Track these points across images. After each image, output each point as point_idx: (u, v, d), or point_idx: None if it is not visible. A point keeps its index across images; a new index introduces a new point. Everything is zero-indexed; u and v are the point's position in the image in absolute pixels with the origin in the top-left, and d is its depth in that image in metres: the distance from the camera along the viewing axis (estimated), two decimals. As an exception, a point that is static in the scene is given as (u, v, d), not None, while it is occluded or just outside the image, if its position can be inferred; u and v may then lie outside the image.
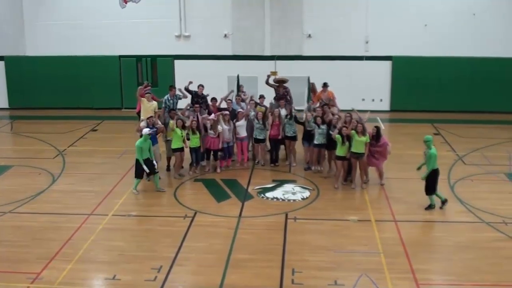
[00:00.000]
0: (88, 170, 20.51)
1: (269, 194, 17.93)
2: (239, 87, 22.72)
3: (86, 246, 14.51)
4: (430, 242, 14.75)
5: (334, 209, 16.89)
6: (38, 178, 19.74)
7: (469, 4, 28.31)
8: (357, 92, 28.25)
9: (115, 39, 29.72)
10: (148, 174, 18.20)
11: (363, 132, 17.85)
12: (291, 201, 17.47)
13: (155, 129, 18.85)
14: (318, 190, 18.30)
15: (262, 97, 21.66)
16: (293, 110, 20.40)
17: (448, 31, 28.31)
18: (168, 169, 20.16)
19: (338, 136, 18.03)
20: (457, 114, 28.41)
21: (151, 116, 19.06)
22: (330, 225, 15.78)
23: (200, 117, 19.83)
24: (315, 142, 19.52)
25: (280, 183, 18.93)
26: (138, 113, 20.34)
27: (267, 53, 29.43)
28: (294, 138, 20.32)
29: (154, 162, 18.07)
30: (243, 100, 21.26)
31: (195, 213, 16.46)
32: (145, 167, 17.70)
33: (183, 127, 19.05)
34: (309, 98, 23.14)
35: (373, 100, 29.23)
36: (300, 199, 17.63)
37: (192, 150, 19.51)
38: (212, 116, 19.52)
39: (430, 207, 16.50)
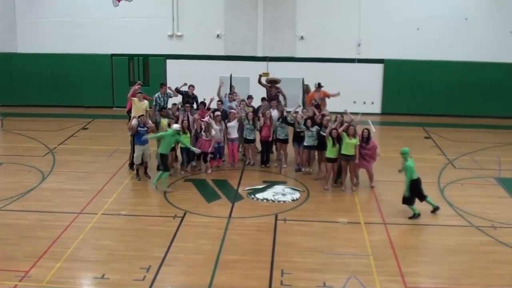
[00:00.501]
0: (78, 168, 20.45)
1: (259, 195, 17.92)
2: (231, 87, 22.70)
3: (75, 245, 14.47)
4: (419, 245, 14.78)
5: (324, 211, 16.89)
6: (28, 176, 19.66)
7: (461, 8, 28.45)
8: (349, 95, 28.11)
9: (107, 38, 29.72)
10: (159, 169, 18.33)
11: (354, 135, 17.87)
12: (281, 202, 17.47)
13: (146, 129, 18.85)
14: (308, 192, 18.31)
15: (250, 97, 21.67)
16: (284, 112, 20.39)
17: (440, 35, 28.42)
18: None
19: (329, 138, 18.06)
20: (448, 118, 28.52)
21: (142, 115, 19.01)
22: (319, 226, 15.79)
23: (190, 117, 19.83)
24: (305, 144, 19.54)
25: (270, 184, 18.94)
26: (128, 112, 20.29)
27: (260, 54, 29.44)
28: (285, 141, 20.34)
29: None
30: (234, 100, 21.27)
31: (185, 213, 16.44)
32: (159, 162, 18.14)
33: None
34: (303, 100, 23.12)
35: (364, 102, 29.30)
36: (290, 200, 17.64)
37: (183, 149, 19.50)
38: (206, 119, 19.48)
39: (414, 216, 16.45)
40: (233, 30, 29.37)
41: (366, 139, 18.19)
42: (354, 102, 28.66)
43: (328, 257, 13.94)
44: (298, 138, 19.86)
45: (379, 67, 29.35)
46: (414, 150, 22.62)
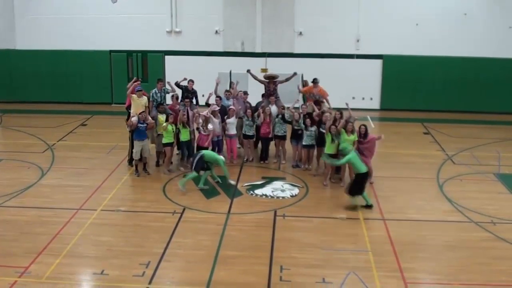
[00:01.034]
0: (77, 164, 20.44)
1: (258, 191, 17.92)
2: (231, 83, 22.69)
3: (74, 241, 14.47)
4: (418, 241, 14.74)
5: (322, 207, 16.89)
6: (27, 172, 19.66)
7: (460, 4, 28.40)
8: (348, 91, 28.12)
9: (106, 34, 29.69)
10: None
11: (352, 131, 17.87)
12: (280, 198, 17.47)
13: (145, 125, 18.86)
14: (307, 188, 18.31)
15: (245, 93, 21.66)
16: (285, 111, 20.35)
17: (439, 30, 28.39)
18: (157, 164, 20.13)
19: (328, 134, 18.07)
20: (447, 113, 28.52)
21: (143, 112, 19.02)
22: (318, 222, 15.80)
23: (190, 112, 19.84)
24: (304, 143, 19.52)
25: (269, 180, 18.94)
26: (127, 108, 20.27)
27: (258, 50, 29.42)
28: (283, 137, 20.36)
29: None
30: (229, 98, 21.23)
31: (184, 209, 16.44)
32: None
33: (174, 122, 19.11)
34: (304, 97, 23.07)
35: (363, 98, 29.31)
36: (289, 196, 17.63)
37: (183, 144, 19.52)
38: (205, 112, 19.47)
39: (367, 206, 16.55)
40: (232, 26, 29.33)
41: (363, 135, 18.16)
42: (353, 98, 28.56)
43: (327, 253, 13.95)
44: (296, 135, 19.85)
45: (378, 63, 29.33)
46: (413, 146, 22.86)
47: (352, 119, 18.38)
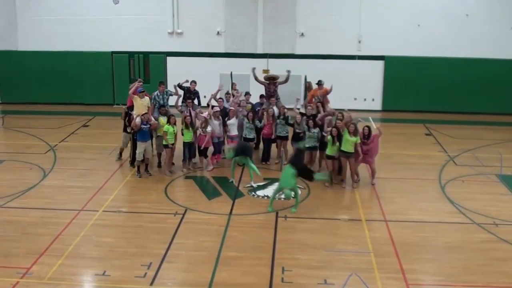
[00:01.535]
0: (79, 165, 20.44)
1: (260, 192, 17.92)
2: (232, 84, 22.68)
3: (76, 241, 14.46)
4: (420, 242, 14.72)
5: (324, 208, 16.87)
6: (29, 173, 19.66)
7: (462, 5, 28.40)
8: (349, 92, 28.29)
9: (107, 35, 29.71)
10: None
11: (354, 132, 17.85)
12: (282, 199, 17.44)
13: (148, 126, 18.87)
14: (309, 189, 18.29)
15: (247, 94, 21.66)
16: (286, 113, 20.33)
17: (441, 31, 28.39)
18: (159, 165, 20.13)
19: (329, 137, 18.06)
20: (449, 114, 28.49)
21: (146, 113, 19.03)
22: (320, 224, 15.78)
23: (192, 112, 19.86)
24: (306, 145, 19.47)
25: (271, 181, 18.91)
26: (128, 109, 20.19)
27: (260, 51, 29.44)
28: (285, 138, 20.34)
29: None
30: (228, 100, 21.23)
31: (186, 210, 16.44)
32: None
33: (175, 123, 19.10)
34: (305, 97, 23.06)
35: (365, 99, 29.32)
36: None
37: (185, 145, 19.52)
38: (205, 114, 19.48)
39: (331, 181, 16.89)
40: (233, 27, 29.34)
41: (367, 136, 18.17)
42: (355, 99, 28.74)
43: (329, 254, 13.94)
44: (297, 138, 19.80)
45: (380, 63, 29.31)
46: (415, 147, 22.88)
47: (355, 120, 18.37)
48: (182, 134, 19.33)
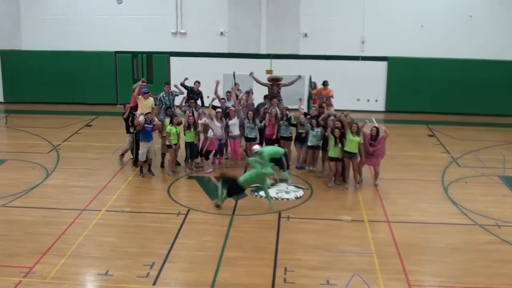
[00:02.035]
0: (82, 165, 20.47)
1: (263, 193, 17.88)
2: (235, 84, 22.67)
3: (79, 241, 14.48)
4: (422, 243, 14.72)
5: (327, 209, 16.88)
6: (32, 172, 19.70)
7: (466, 6, 28.36)
8: (352, 92, 28.29)
9: (111, 35, 29.73)
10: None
11: (357, 133, 17.84)
12: (285, 200, 17.47)
13: (152, 126, 18.89)
14: (311, 190, 18.30)
15: (249, 93, 21.69)
16: (289, 114, 20.33)
17: (444, 32, 28.35)
18: (162, 165, 20.15)
19: (331, 137, 18.06)
20: (452, 116, 28.44)
21: (149, 112, 19.05)
22: (323, 224, 15.79)
23: (195, 113, 19.87)
24: (309, 144, 19.50)
25: (273, 181, 18.89)
26: (132, 108, 20.16)
27: (263, 51, 29.44)
28: (289, 139, 20.31)
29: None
30: (229, 99, 21.23)
31: (188, 210, 16.45)
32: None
33: (179, 124, 19.12)
34: (309, 98, 23.04)
35: (368, 100, 29.29)
36: (293, 198, 17.63)
37: (187, 145, 19.51)
38: (203, 120, 19.42)
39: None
40: (237, 28, 29.35)
41: (374, 137, 18.13)
42: (358, 99, 28.70)
43: (332, 255, 13.94)
44: (300, 138, 19.84)
45: (383, 64, 29.27)
46: (418, 148, 22.88)
47: (357, 120, 18.36)
48: (184, 134, 19.33)
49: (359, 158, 18.25)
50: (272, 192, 17.86)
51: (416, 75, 28.95)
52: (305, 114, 20.12)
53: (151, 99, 19.81)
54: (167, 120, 19.40)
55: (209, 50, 29.64)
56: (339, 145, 17.99)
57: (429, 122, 27.21)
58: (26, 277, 12.76)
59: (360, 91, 28.88)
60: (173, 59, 30.09)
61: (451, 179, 19.40)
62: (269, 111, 20.25)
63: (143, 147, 18.92)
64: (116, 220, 15.95)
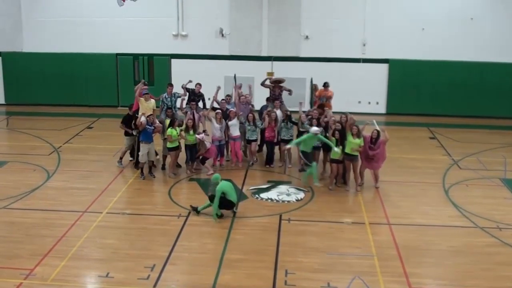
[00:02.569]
0: (83, 167, 20.47)
1: (264, 195, 17.91)
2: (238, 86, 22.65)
3: (79, 243, 14.48)
4: (423, 246, 14.70)
5: (328, 211, 16.86)
6: (33, 174, 19.71)
7: (467, 8, 28.35)
8: (353, 95, 28.30)
9: (112, 37, 29.75)
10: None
11: (357, 135, 17.83)
12: (286, 202, 17.46)
13: (153, 128, 18.89)
14: (312, 192, 18.29)
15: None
16: (288, 112, 20.35)
17: (445, 35, 28.36)
18: (163, 167, 20.14)
19: (332, 139, 18.05)
20: (453, 118, 28.46)
21: (150, 114, 19.07)
22: (324, 227, 15.77)
23: (196, 115, 19.89)
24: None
25: (275, 184, 18.92)
26: (135, 112, 20.17)
27: (264, 53, 29.45)
28: (290, 142, 20.29)
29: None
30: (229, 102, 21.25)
31: (189, 213, 16.44)
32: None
33: (179, 126, 19.12)
34: (311, 99, 23.06)
35: (369, 103, 29.28)
36: (294, 200, 17.62)
37: (187, 147, 19.52)
38: (200, 136, 19.36)
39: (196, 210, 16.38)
40: (238, 30, 29.36)
41: (375, 140, 18.12)
42: (359, 102, 28.69)
43: (332, 258, 13.93)
44: (302, 138, 19.86)
45: (384, 67, 29.28)
46: (419, 151, 22.87)
47: (357, 123, 18.34)
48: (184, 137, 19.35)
49: (360, 161, 18.25)
50: (273, 194, 17.90)
51: (417, 78, 28.96)
52: (307, 115, 20.10)
53: (152, 101, 19.82)
54: (168, 121, 19.40)
55: (210, 52, 29.65)
56: (340, 147, 17.98)
57: (430, 125, 27.21)
58: (27, 279, 12.75)
59: (361, 94, 28.89)
60: (174, 61, 30.11)
61: (452, 181, 19.39)
62: (270, 114, 20.24)
63: (143, 149, 18.92)
64: (117, 222, 15.94)
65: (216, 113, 19.97)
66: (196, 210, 16.40)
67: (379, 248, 14.39)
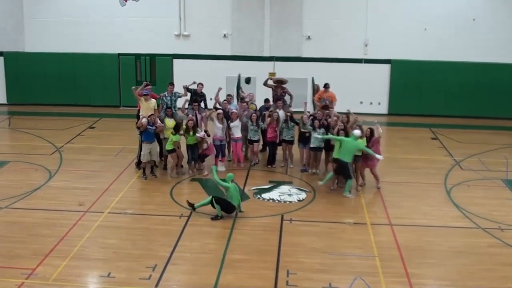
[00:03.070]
0: (85, 167, 20.48)
1: (266, 195, 17.90)
2: (239, 87, 22.67)
3: (81, 243, 14.49)
4: (425, 246, 14.70)
5: (330, 212, 16.86)
6: (35, 174, 19.72)
7: (469, 9, 28.36)
8: (355, 95, 28.24)
9: (114, 37, 29.76)
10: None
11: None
12: (287, 202, 17.45)
13: (154, 128, 18.90)
14: (314, 192, 18.29)
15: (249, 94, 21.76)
16: (290, 113, 20.34)
17: (447, 35, 28.37)
18: (165, 167, 20.14)
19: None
20: (455, 119, 28.46)
21: (152, 114, 19.08)
22: (325, 227, 15.77)
23: (198, 115, 19.89)
24: (311, 145, 19.49)
25: (276, 184, 18.92)
26: (138, 112, 20.18)
27: (266, 54, 29.46)
28: (291, 142, 20.33)
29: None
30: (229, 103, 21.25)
31: (191, 213, 16.43)
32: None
33: (186, 130, 19.18)
34: (313, 99, 23.05)
35: (371, 103, 29.29)
36: (296, 200, 17.62)
37: (189, 147, 19.53)
38: (201, 134, 19.41)
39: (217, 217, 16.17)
40: (240, 30, 29.37)
41: (368, 138, 18.13)
42: (361, 102, 28.67)
43: (334, 258, 13.93)
44: (303, 138, 19.82)
45: (386, 67, 29.29)
46: (421, 151, 22.85)
47: (359, 123, 18.33)
48: (185, 138, 19.34)
49: (360, 161, 18.24)
50: (275, 194, 17.90)
51: (419, 78, 28.97)
52: (309, 115, 20.09)
53: (153, 101, 19.81)
54: (167, 120, 19.40)
55: (213, 52, 29.66)
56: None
57: (432, 125, 27.21)
58: (29, 279, 12.75)
59: (363, 94, 28.89)
60: (176, 61, 30.11)
61: (454, 182, 19.38)
62: (272, 114, 20.24)
63: (145, 148, 18.93)
64: (118, 222, 15.93)
65: (218, 113, 19.97)
66: (192, 207, 16.43)
67: (380, 249, 14.39)
